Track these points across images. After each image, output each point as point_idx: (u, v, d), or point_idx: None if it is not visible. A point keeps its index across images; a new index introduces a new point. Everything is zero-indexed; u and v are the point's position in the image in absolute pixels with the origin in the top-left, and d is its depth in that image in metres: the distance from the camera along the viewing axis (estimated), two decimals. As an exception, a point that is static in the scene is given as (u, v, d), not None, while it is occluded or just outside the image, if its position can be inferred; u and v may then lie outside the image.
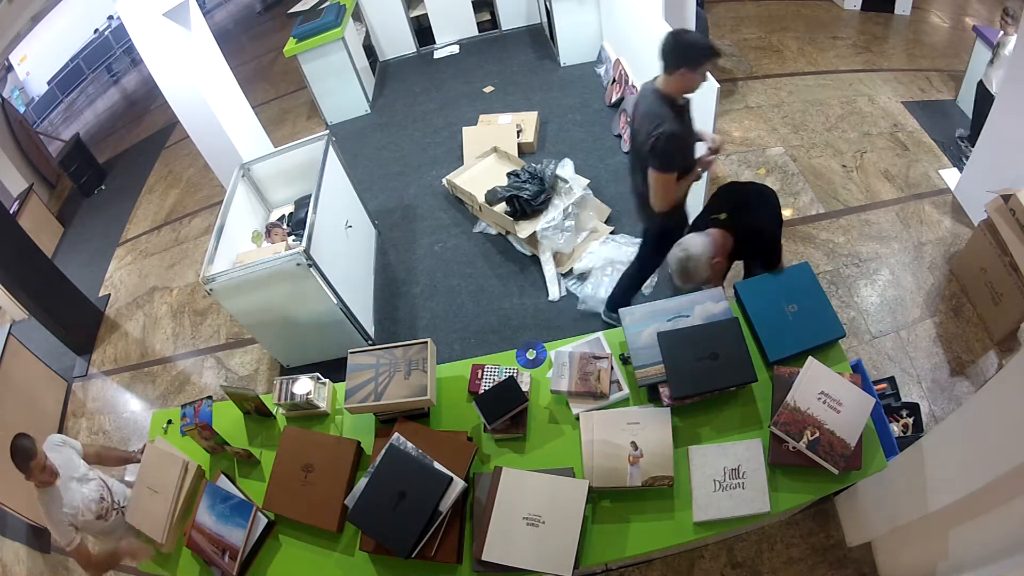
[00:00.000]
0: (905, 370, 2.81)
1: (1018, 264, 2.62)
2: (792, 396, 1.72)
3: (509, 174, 3.61)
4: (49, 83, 8.82)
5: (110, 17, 9.01)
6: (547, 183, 3.48)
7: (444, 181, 4.13)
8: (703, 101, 2.88)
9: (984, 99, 3.55)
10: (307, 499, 1.85)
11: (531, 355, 2.10)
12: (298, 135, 4.96)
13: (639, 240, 3.49)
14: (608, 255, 3.38)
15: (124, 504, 2.12)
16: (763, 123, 4.23)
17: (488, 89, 5.17)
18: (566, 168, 3.76)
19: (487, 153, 4.16)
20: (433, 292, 3.61)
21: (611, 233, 3.58)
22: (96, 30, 9.13)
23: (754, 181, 3.29)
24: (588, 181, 3.85)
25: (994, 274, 2.79)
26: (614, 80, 4.53)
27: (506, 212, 3.53)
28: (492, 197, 3.56)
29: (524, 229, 3.46)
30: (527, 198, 3.43)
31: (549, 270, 3.41)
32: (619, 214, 3.72)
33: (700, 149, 2.39)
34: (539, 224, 3.41)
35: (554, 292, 3.36)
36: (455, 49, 5.77)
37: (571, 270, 3.43)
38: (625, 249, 3.41)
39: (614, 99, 4.51)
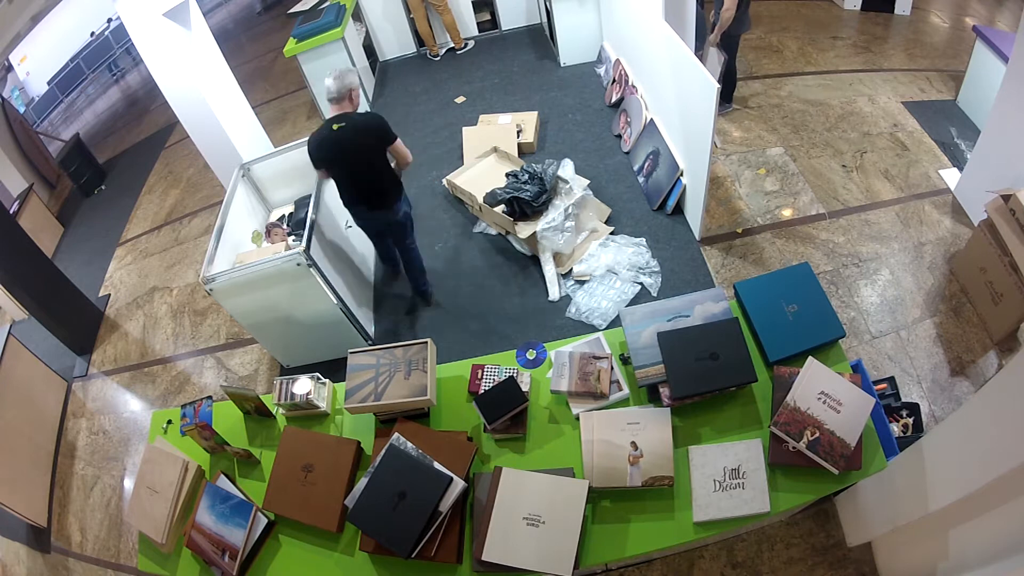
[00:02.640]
0: (905, 370, 2.81)
1: (1018, 264, 2.61)
2: (792, 396, 1.72)
3: (508, 174, 3.60)
4: (49, 83, 8.82)
5: (109, 19, 9.01)
6: (548, 184, 3.47)
7: (444, 181, 4.13)
8: (703, 102, 2.89)
9: None
10: (307, 499, 1.85)
11: (531, 355, 2.10)
12: (298, 135, 4.96)
13: (639, 240, 3.51)
14: (609, 263, 3.37)
15: None
16: (763, 123, 4.23)
17: (482, 86, 5.17)
18: (566, 168, 3.75)
19: (487, 153, 4.16)
20: (433, 292, 3.61)
21: (611, 233, 3.58)
22: (93, 33, 9.13)
23: None
24: (588, 181, 3.85)
25: (994, 274, 2.79)
26: (614, 80, 4.53)
27: (505, 213, 3.53)
28: (492, 200, 3.56)
29: (524, 229, 3.46)
30: (527, 199, 3.43)
31: (549, 270, 3.41)
32: (619, 214, 3.72)
33: None
34: (539, 224, 3.41)
35: (554, 292, 3.36)
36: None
37: (571, 270, 3.43)
38: (626, 250, 3.41)
39: (614, 99, 4.51)
